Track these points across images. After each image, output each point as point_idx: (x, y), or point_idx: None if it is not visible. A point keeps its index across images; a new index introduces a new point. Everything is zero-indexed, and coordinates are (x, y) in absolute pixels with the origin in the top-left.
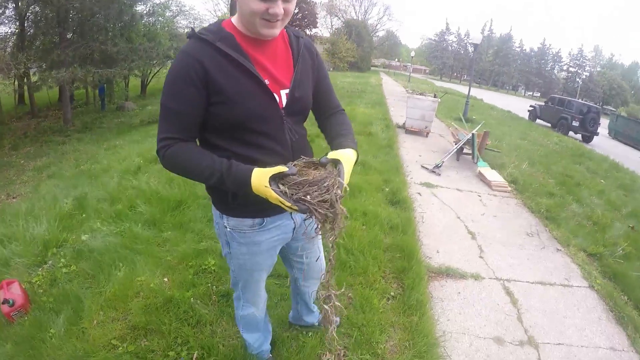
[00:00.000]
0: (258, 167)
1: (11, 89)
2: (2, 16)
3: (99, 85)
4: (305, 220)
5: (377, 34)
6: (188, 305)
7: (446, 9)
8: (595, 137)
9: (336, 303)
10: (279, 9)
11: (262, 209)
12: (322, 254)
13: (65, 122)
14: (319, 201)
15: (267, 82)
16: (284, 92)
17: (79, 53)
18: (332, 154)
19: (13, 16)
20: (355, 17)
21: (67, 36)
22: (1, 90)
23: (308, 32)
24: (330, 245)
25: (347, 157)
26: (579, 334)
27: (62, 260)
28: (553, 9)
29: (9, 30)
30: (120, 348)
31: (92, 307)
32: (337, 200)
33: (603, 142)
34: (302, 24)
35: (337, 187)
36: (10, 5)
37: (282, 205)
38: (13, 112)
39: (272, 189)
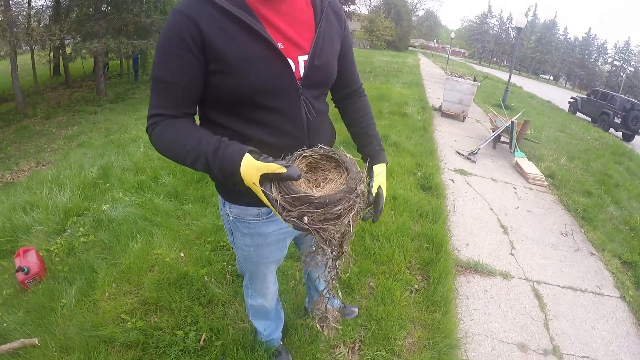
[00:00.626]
0: (268, 152)
1: (46, 59)
2: None
3: (133, 56)
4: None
5: (416, 13)
6: (201, 284)
7: None
8: (637, 136)
9: (332, 324)
10: None
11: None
12: None
13: (98, 93)
14: (323, 224)
15: (280, 45)
16: (302, 59)
17: (113, 25)
18: (375, 175)
19: None
20: None
21: (101, 8)
22: (37, 62)
23: (346, 8)
24: (330, 279)
25: (383, 179)
26: (605, 348)
27: (81, 229)
28: None
29: (44, 3)
30: (129, 323)
31: (106, 279)
32: (344, 238)
33: None
34: (339, 0)
35: (354, 214)
36: None
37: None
38: (48, 82)
39: (263, 190)
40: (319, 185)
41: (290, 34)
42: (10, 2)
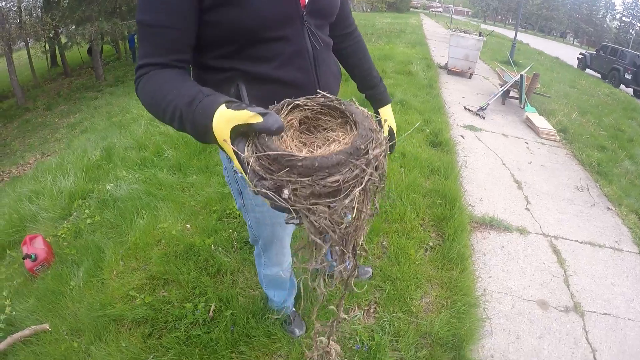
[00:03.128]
0: (276, 87)
1: (42, 51)
2: None
3: (128, 37)
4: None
5: None
6: (209, 253)
7: None
8: None
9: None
10: None
11: None
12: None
13: (98, 78)
14: (312, 203)
15: None
16: None
17: (105, 7)
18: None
19: None
20: None
21: None
22: (33, 55)
23: None
24: (345, 278)
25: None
26: (627, 305)
27: (87, 211)
28: None
29: None
30: (137, 299)
31: (113, 258)
32: (354, 232)
33: None
34: None
35: (362, 190)
36: None
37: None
38: (47, 74)
39: (233, 148)
40: (315, 150)
41: None
42: None
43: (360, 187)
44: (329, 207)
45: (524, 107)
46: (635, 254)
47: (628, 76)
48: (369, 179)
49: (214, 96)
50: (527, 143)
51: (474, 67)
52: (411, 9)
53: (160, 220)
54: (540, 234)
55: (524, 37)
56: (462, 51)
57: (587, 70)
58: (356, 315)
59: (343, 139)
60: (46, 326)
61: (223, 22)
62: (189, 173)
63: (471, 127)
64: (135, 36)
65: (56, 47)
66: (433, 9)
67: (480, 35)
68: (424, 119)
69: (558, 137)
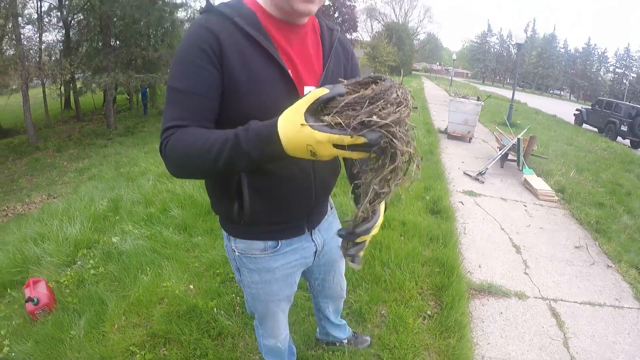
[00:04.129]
0: (274, 181)
1: (57, 93)
2: (49, 24)
3: (141, 90)
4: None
5: (417, 37)
6: (211, 316)
7: (487, 10)
8: None
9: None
10: None
11: (275, 229)
12: (341, 274)
13: (109, 126)
14: (393, 120)
15: (290, 72)
16: (308, 89)
17: (122, 59)
18: None
19: (58, 25)
20: (395, 20)
21: (110, 42)
22: (48, 95)
23: (348, 36)
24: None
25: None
26: None
27: (91, 261)
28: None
29: (55, 38)
30: (137, 355)
31: (115, 311)
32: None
33: None
34: (342, 28)
35: (408, 101)
36: (55, 14)
37: (340, 154)
38: (59, 115)
39: (314, 127)
40: None
41: (300, 63)
42: (22, 36)
43: (408, 98)
44: (405, 108)
45: (522, 170)
46: (636, 309)
47: (624, 128)
48: (407, 94)
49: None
50: (525, 206)
51: (473, 131)
52: (413, 72)
53: (164, 278)
54: (539, 298)
55: (521, 97)
56: (461, 116)
57: (585, 125)
58: None
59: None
60: None
61: (230, 108)
62: (194, 234)
63: (470, 193)
64: (148, 89)
65: (71, 91)
66: (434, 72)
67: (478, 99)
68: (425, 186)
69: (556, 198)
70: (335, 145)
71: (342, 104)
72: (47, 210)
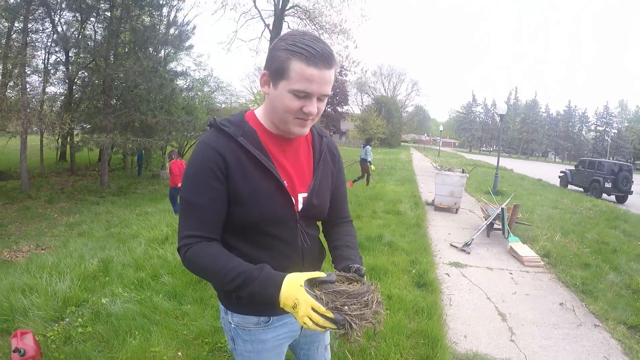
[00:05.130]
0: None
1: (54, 145)
2: (54, 77)
3: (137, 152)
4: (333, 334)
5: (406, 109)
6: None
7: (472, 81)
8: (629, 196)
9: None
10: (313, 107)
11: (268, 308)
12: (325, 346)
13: (102, 184)
14: (356, 314)
15: (285, 183)
16: (301, 196)
17: (121, 120)
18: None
19: (63, 79)
20: (384, 94)
21: (111, 103)
22: (45, 145)
23: (339, 109)
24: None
25: None
26: None
27: (79, 319)
28: (576, 67)
29: (58, 91)
30: None
31: None
32: (377, 320)
33: (639, 201)
34: (334, 101)
35: (377, 303)
36: (61, 69)
37: (312, 317)
38: (54, 166)
39: (307, 291)
40: None
41: (293, 173)
42: (27, 85)
43: (375, 302)
44: (368, 309)
45: (507, 238)
46: None
47: (608, 185)
48: (378, 298)
49: (273, 272)
50: (511, 274)
51: (460, 202)
52: (402, 144)
53: (153, 343)
54: None
55: (507, 163)
56: (448, 188)
57: (570, 186)
58: None
59: (355, 286)
60: None
61: (234, 215)
62: (184, 302)
63: (456, 264)
64: (143, 152)
65: (68, 145)
66: (422, 143)
67: (463, 171)
68: (411, 259)
69: (542, 263)
70: (313, 309)
71: (330, 289)
72: (35, 261)
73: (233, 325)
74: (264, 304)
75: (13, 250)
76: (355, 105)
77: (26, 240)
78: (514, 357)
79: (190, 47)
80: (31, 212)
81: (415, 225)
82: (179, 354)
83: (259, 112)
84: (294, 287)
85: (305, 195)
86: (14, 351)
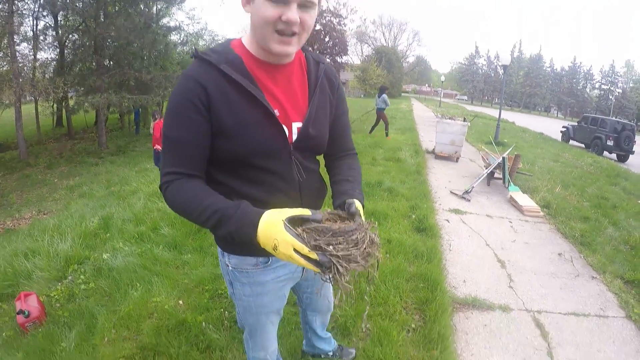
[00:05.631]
0: (265, 208)
1: (50, 111)
2: (44, 43)
3: (134, 110)
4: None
5: (407, 59)
6: (199, 330)
7: (475, 33)
8: (631, 155)
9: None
10: (292, 14)
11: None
12: (329, 289)
13: (100, 145)
14: (343, 255)
15: (276, 112)
16: (295, 125)
17: (115, 80)
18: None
19: (53, 44)
20: (385, 44)
21: (104, 63)
22: (40, 112)
23: (339, 59)
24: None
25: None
26: None
27: (82, 276)
28: (583, 24)
29: (49, 57)
30: None
31: (105, 325)
32: (365, 259)
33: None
34: (333, 51)
35: (369, 243)
36: (50, 33)
37: (294, 258)
38: (51, 133)
39: (287, 230)
40: None
41: (286, 101)
42: (17, 53)
43: (367, 241)
44: (351, 253)
45: (508, 187)
46: (621, 318)
47: (610, 143)
48: (371, 237)
49: (250, 210)
50: (511, 222)
51: (460, 151)
52: (403, 94)
53: (154, 294)
54: (524, 310)
55: (509, 116)
56: (449, 136)
57: (571, 142)
58: None
59: (348, 224)
60: None
61: (221, 148)
62: (184, 251)
63: (456, 211)
64: (140, 110)
65: (63, 109)
66: (423, 94)
67: (464, 120)
68: (411, 205)
69: (542, 213)
70: (295, 251)
71: (313, 226)
72: (37, 226)
73: (231, 268)
74: (245, 244)
75: (16, 219)
76: (355, 55)
77: (28, 207)
78: (512, 304)
79: (182, 0)
80: (31, 179)
81: (415, 172)
82: (180, 302)
83: (246, 39)
84: (272, 225)
85: (300, 125)
86: (18, 313)
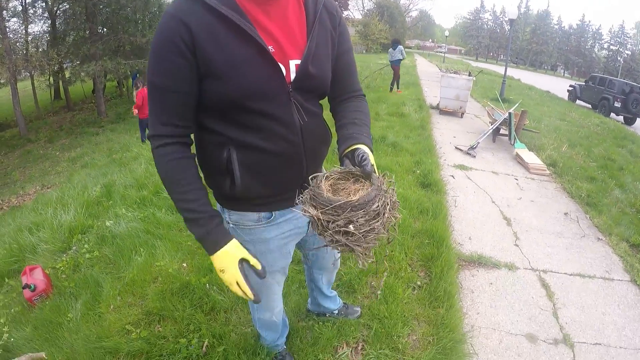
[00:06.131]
0: (264, 156)
1: (46, 84)
2: (34, 16)
3: (132, 75)
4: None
5: (409, 14)
6: (204, 292)
7: None
8: (638, 119)
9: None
10: None
11: (269, 201)
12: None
13: (100, 114)
14: (365, 231)
15: (271, 48)
16: (293, 63)
17: (109, 46)
18: (360, 149)
19: (43, 15)
20: None
21: (97, 30)
22: (37, 87)
23: None
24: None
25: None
26: (618, 334)
27: (86, 246)
28: None
29: (41, 29)
30: (133, 334)
31: (110, 292)
32: (386, 227)
33: None
34: None
35: (391, 206)
36: (40, 5)
37: (233, 289)
38: (49, 107)
39: (238, 268)
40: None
41: (282, 37)
42: (7, 29)
43: (389, 207)
44: (374, 228)
45: (513, 144)
46: (626, 282)
47: (617, 104)
48: (391, 200)
49: (221, 230)
50: (516, 179)
51: (465, 107)
52: (405, 49)
53: (158, 258)
54: (529, 269)
55: (515, 73)
56: (453, 91)
57: (578, 101)
58: (344, 352)
59: (362, 187)
60: (43, 355)
61: (212, 91)
62: None
63: (461, 167)
64: (138, 74)
65: (60, 82)
66: (426, 49)
67: (469, 75)
68: (415, 160)
69: (548, 172)
70: (237, 283)
71: (330, 206)
72: (41, 200)
73: (231, 225)
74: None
75: (20, 195)
76: (356, 10)
77: (31, 183)
78: (518, 262)
79: None
80: (33, 155)
81: (419, 127)
82: (184, 265)
83: None
84: (229, 256)
85: (298, 62)
86: (24, 287)
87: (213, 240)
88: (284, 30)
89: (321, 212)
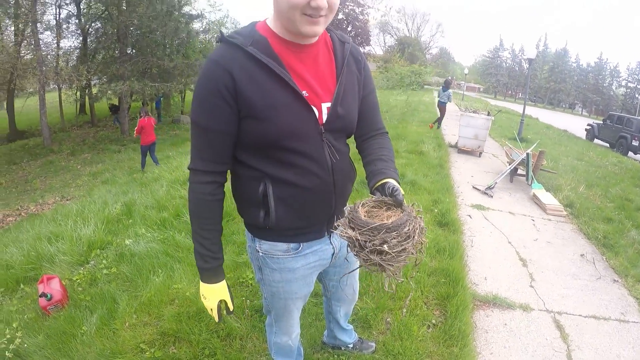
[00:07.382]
0: (297, 191)
1: (73, 99)
2: (67, 31)
3: (156, 98)
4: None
5: (430, 51)
6: None
7: (500, 25)
8: None
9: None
10: (322, 1)
11: (298, 233)
12: (355, 277)
13: (123, 132)
14: (397, 252)
15: (305, 93)
16: (325, 106)
17: (137, 67)
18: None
19: (76, 31)
20: (407, 35)
21: (127, 51)
22: (64, 100)
23: (361, 49)
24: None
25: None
26: None
27: (104, 261)
28: (609, 21)
29: (72, 45)
30: (147, 352)
31: (126, 310)
32: (419, 251)
33: None
34: (355, 41)
35: (420, 231)
36: (74, 22)
37: (208, 311)
38: (74, 120)
39: (217, 304)
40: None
41: (314, 82)
42: (41, 42)
43: (418, 232)
44: (409, 244)
45: (531, 184)
46: None
47: (635, 143)
48: (420, 226)
49: (219, 270)
50: (533, 220)
51: (483, 146)
52: (425, 86)
53: (176, 280)
54: (544, 310)
55: (533, 111)
56: (472, 130)
57: (596, 140)
58: None
59: (394, 214)
60: None
61: (251, 131)
62: None
63: (479, 207)
64: (162, 99)
65: (86, 97)
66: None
67: (488, 114)
68: (433, 199)
69: (565, 213)
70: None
71: (367, 228)
72: (61, 211)
73: (261, 254)
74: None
75: (39, 204)
76: (377, 46)
77: (51, 193)
78: (533, 303)
79: None
80: (55, 165)
81: (437, 165)
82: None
83: (271, 20)
84: (213, 294)
85: (329, 104)
86: (40, 296)
87: (210, 275)
88: (315, 75)
89: (359, 233)
